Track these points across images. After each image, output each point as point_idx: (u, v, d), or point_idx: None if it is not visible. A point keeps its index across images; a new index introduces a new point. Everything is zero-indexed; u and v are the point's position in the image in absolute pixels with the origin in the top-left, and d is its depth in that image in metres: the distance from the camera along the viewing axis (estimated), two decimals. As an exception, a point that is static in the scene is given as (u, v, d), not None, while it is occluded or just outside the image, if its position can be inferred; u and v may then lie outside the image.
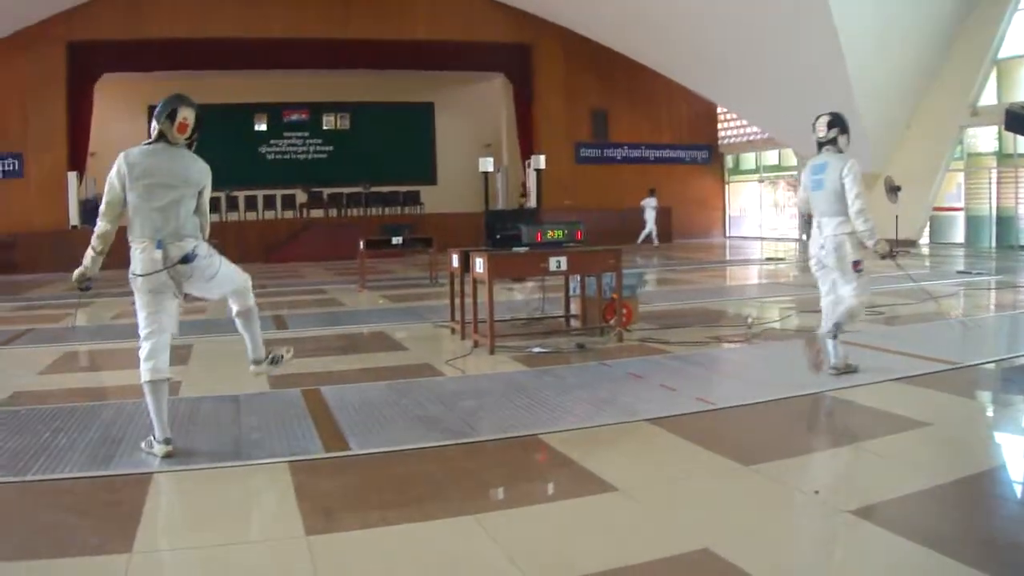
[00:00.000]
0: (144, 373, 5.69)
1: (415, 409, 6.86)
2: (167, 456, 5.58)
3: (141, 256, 5.68)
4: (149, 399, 5.67)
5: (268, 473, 5.36)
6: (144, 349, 5.77)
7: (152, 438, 5.70)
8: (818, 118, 7.84)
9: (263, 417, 6.66)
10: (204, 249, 5.90)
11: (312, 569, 3.92)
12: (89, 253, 5.81)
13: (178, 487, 5.17)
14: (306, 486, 5.06)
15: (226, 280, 6.07)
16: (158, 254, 5.67)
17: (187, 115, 5.82)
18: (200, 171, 5.93)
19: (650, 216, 30.01)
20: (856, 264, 7.61)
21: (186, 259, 5.72)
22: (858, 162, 7.67)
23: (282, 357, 6.42)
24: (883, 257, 7.64)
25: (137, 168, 5.68)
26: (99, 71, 27.87)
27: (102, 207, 5.78)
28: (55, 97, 26.72)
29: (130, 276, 5.75)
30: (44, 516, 4.65)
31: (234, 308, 6.19)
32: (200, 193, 5.95)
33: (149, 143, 5.83)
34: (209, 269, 5.91)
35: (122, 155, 5.75)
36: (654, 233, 29.98)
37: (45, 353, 10.09)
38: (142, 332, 5.81)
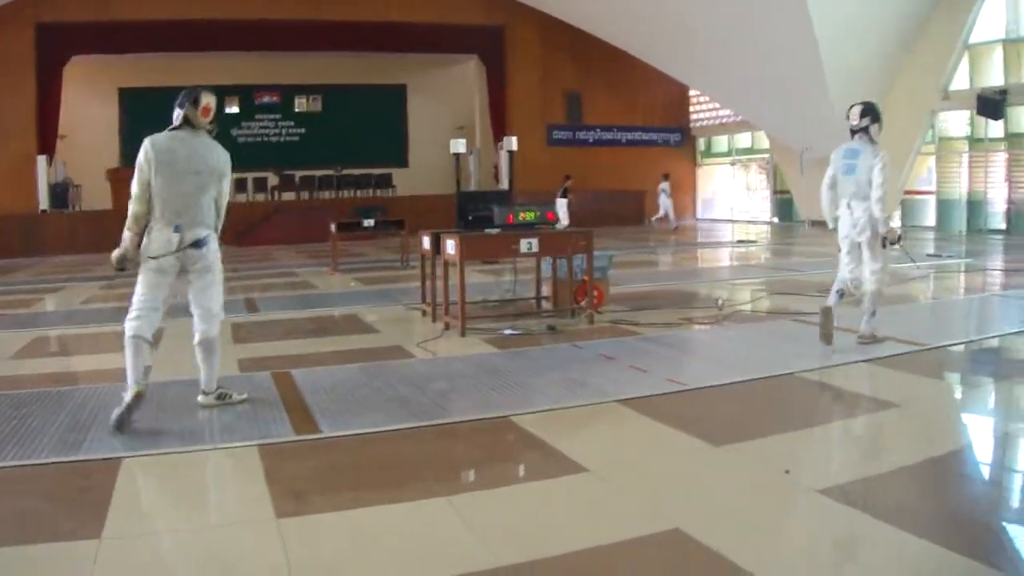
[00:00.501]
0: (128, 331, 5.93)
1: (386, 391, 6.85)
2: (138, 396, 5.74)
3: (157, 237, 5.97)
4: (128, 352, 5.88)
5: (238, 457, 5.34)
6: (132, 316, 5.99)
7: (123, 395, 5.84)
8: (852, 107, 8.31)
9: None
10: (215, 243, 6.21)
11: (283, 552, 3.91)
12: (127, 235, 6.03)
13: (148, 472, 5.14)
14: (276, 469, 5.05)
15: (213, 291, 6.29)
16: (175, 237, 5.96)
17: (209, 100, 6.16)
18: (221, 158, 6.26)
19: (663, 200, 30.20)
20: (884, 241, 8.09)
21: (197, 243, 6.02)
22: (889, 154, 8.14)
23: (231, 397, 6.49)
24: (892, 243, 8.04)
25: (164, 153, 5.97)
26: (68, 53, 27.64)
27: (135, 191, 6.00)
28: (24, 80, 26.44)
29: (141, 255, 6.00)
30: (13, 502, 4.62)
31: (197, 335, 6.33)
32: (220, 181, 6.24)
33: (173, 129, 6.09)
34: (213, 266, 6.21)
35: (148, 140, 6.04)
36: (667, 215, 30.23)
37: (15, 338, 10.01)
38: (136, 303, 6.02)
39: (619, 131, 34.17)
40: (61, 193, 27.32)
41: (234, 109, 32.99)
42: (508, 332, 9.35)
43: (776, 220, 32.26)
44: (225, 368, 7.56)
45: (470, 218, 9.71)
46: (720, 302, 10.96)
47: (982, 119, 23.97)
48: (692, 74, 30.86)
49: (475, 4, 30.67)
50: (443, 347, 8.81)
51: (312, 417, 6.13)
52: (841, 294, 8.24)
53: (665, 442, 5.51)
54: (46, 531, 4.18)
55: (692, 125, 36.02)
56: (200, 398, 6.44)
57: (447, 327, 9.63)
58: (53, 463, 5.20)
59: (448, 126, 32.45)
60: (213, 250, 6.21)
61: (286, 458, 5.31)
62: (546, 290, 10.98)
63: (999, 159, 24.56)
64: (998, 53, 24.32)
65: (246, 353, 8.54)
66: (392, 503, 4.50)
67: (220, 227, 6.34)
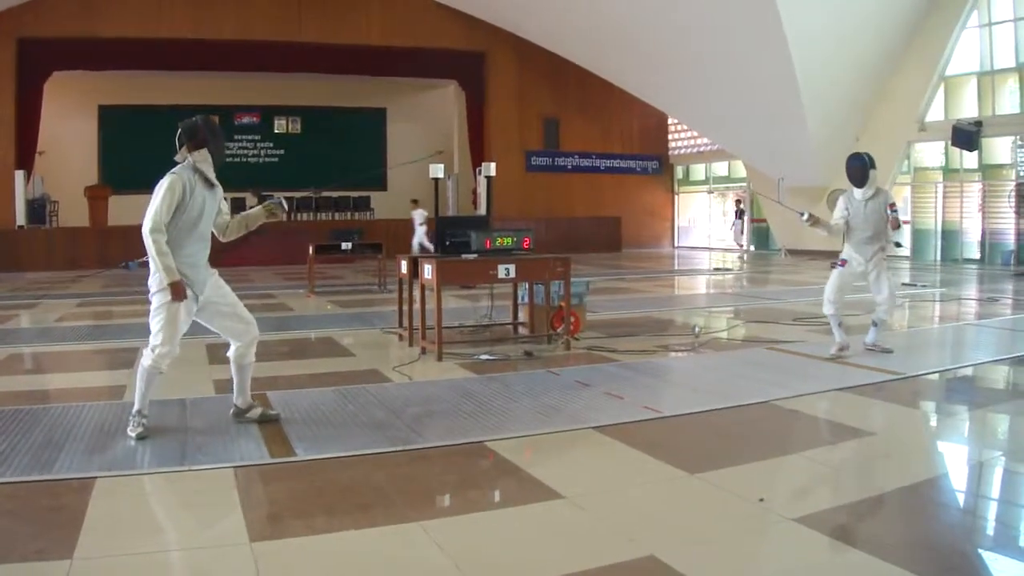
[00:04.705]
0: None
1: (361, 415, 6.84)
2: None
3: None
4: None
5: (213, 479, 5.30)
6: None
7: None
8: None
9: (209, 422, 6.61)
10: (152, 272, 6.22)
11: (256, 575, 3.89)
12: None
13: (122, 492, 5.09)
14: (251, 492, 5.03)
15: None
16: None
17: None
18: None
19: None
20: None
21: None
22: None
23: (135, 421, 6.28)
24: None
25: None
26: (50, 68, 27.51)
27: None
28: (3, 94, 26.29)
29: None
30: (-17, 520, 4.59)
31: None
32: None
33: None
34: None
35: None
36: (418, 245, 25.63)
37: (-13, 355, 9.95)
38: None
39: (597, 158, 34.27)
40: (39, 209, 27.19)
41: (214, 129, 32.94)
42: (484, 357, 9.35)
43: (752, 248, 32.35)
44: (201, 389, 7.57)
45: (448, 243, 9.73)
46: (697, 330, 10.98)
47: (957, 150, 24.20)
48: (671, 103, 31.04)
49: (455, 30, 30.71)
50: (419, 371, 8.80)
51: (287, 440, 6.10)
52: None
53: (640, 469, 5.51)
54: (17, 551, 4.14)
55: (670, 153, 36.15)
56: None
57: (424, 351, 9.63)
58: (25, 482, 5.17)
59: (427, 150, 32.47)
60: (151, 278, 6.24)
61: (261, 481, 5.30)
62: (523, 316, 10.98)
63: (974, 190, 24.81)
64: (973, 85, 24.59)
65: (222, 374, 8.47)
66: (366, 527, 4.48)
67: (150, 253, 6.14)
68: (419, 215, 25.32)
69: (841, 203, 9.37)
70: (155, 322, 6.22)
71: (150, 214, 6.02)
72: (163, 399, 6.99)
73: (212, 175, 6.39)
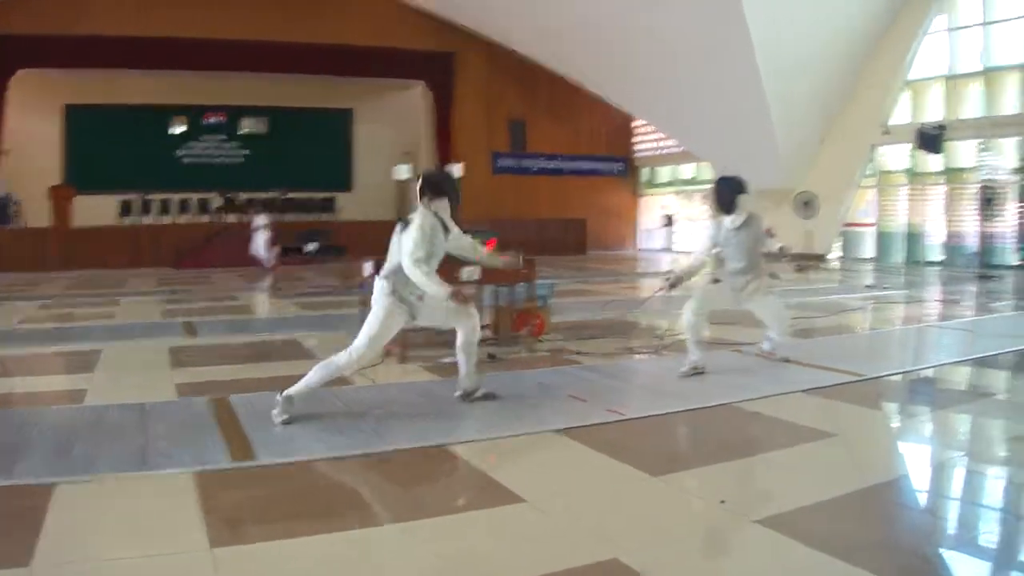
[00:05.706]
0: None
1: (324, 418, 6.79)
2: None
3: None
4: None
5: (173, 483, 5.26)
6: None
7: None
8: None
9: (170, 426, 6.53)
10: (380, 288, 7.00)
11: (215, 581, 3.87)
12: None
13: (81, 497, 5.05)
14: (212, 497, 4.99)
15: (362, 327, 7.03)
16: None
17: None
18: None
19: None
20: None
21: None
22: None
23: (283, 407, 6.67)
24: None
25: None
26: (14, 66, 27.34)
27: None
28: (-33, 92, 26.08)
29: None
30: (-61, 526, 4.53)
31: None
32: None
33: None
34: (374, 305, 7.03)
35: None
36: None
37: (-54, 358, 9.84)
38: None
39: (562, 160, 34.38)
40: (2, 209, 26.93)
41: (180, 129, 32.79)
42: (448, 360, 9.31)
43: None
44: (162, 393, 7.52)
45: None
46: (661, 332, 11.00)
47: (922, 153, 24.41)
48: (635, 104, 31.17)
49: (423, 30, 30.73)
50: (382, 374, 8.74)
51: (249, 444, 6.06)
52: None
53: (603, 472, 5.52)
54: (-27, 558, 4.11)
55: (636, 155, 36.23)
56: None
57: (387, 354, 9.58)
58: (-18, 488, 5.11)
59: (394, 152, 32.45)
60: (376, 291, 6.99)
61: (222, 486, 5.24)
62: (487, 318, 10.94)
63: (937, 192, 25.02)
64: (937, 89, 24.82)
65: (184, 378, 8.43)
66: (328, 532, 4.47)
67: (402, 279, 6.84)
68: (260, 220, 23.54)
69: (710, 231, 8.76)
70: (368, 327, 6.95)
71: (410, 250, 6.70)
72: (123, 403, 6.94)
73: (449, 221, 7.08)
